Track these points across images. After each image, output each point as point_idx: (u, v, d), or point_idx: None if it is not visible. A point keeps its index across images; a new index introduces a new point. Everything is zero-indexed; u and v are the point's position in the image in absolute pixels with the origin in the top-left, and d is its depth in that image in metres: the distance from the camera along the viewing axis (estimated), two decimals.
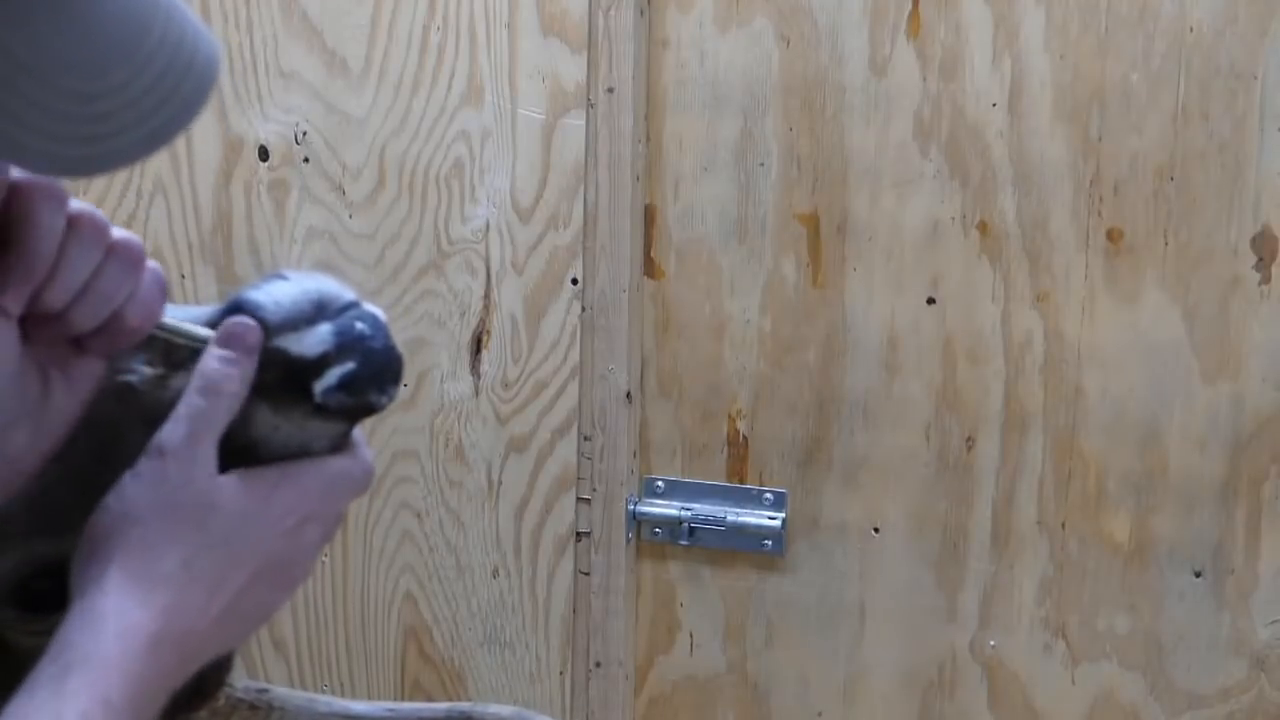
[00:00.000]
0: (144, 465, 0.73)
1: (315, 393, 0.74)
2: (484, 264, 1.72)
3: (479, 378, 1.75)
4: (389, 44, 1.70)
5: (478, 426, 1.76)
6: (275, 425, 0.75)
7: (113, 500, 0.73)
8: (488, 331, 1.73)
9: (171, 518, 0.72)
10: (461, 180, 1.71)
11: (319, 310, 0.75)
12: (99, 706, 0.68)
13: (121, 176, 1.79)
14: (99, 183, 1.79)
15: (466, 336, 1.74)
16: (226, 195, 1.77)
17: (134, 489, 0.73)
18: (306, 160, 1.74)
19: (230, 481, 0.74)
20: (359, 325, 0.75)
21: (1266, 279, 1.56)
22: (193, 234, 1.79)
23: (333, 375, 0.74)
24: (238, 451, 0.75)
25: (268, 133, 1.75)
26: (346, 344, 0.74)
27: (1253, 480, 1.59)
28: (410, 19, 1.69)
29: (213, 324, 0.75)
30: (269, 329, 0.74)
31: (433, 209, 1.72)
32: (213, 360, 0.74)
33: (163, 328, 0.75)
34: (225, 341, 0.74)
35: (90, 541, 0.72)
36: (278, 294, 0.75)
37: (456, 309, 1.74)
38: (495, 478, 1.76)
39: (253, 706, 0.96)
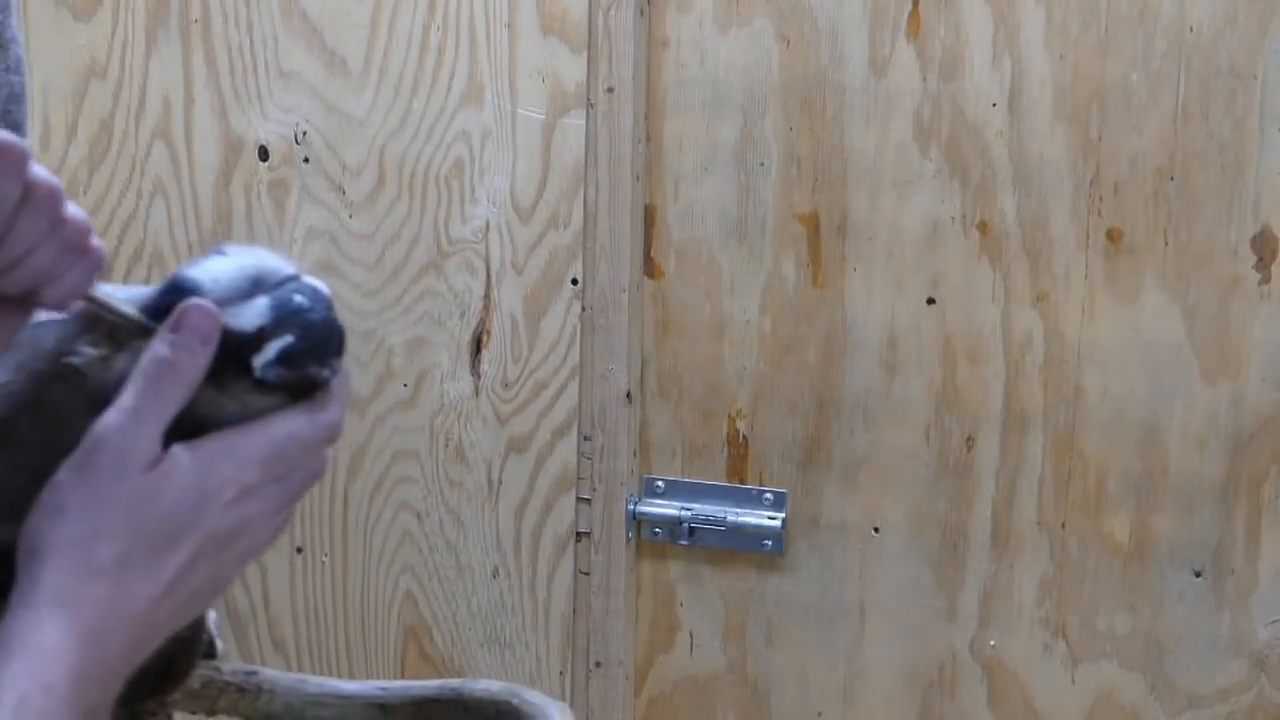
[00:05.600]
0: (80, 455, 0.72)
1: (254, 367, 0.73)
2: (484, 264, 1.72)
3: (479, 378, 1.75)
4: (389, 44, 1.70)
5: (478, 426, 1.76)
6: (219, 403, 0.74)
7: (46, 495, 0.72)
8: (488, 331, 1.73)
9: (104, 512, 0.71)
10: (461, 180, 1.71)
11: (256, 285, 0.74)
12: (39, 691, 0.67)
13: (121, 176, 1.79)
14: (99, 184, 1.79)
15: (466, 336, 1.74)
16: (226, 195, 1.77)
17: (67, 481, 0.71)
18: (306, 160, 1.74)
19: (164, 465, 0.72)
20: (297, 298, 0.74)
21: (1266, 279, 1.56)
22: (193, 234, 1.79)
23: (271, 349, 0.73)
24: (186, 430, 0.74)
25: (268, 133, 1.75)
26: (284, 317, 0.73)
27: (1253, 480, 1.59)
28: (410, 19, 1.69)
29: (152, 304, 0.74)
30: None
31: (433, 209, 1.72)
32: (164, 346, 0.72)
33: (91, 300, 0.74)
34: (178, 326, 0.72)
35: (27, 537, 0.72)
36: (215, 270, 0.74)
37: (456, 309, 1.74)
38: (495, 478, 1.76)
39: (241, 689, 0.95)
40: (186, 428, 0.74)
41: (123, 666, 0.72)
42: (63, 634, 0.69)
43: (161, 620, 0.74)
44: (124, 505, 0.71)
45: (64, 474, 0.72)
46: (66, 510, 0.71)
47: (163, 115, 1.77)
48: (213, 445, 0.73)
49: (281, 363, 0.73)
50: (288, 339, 0.73)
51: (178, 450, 0.73)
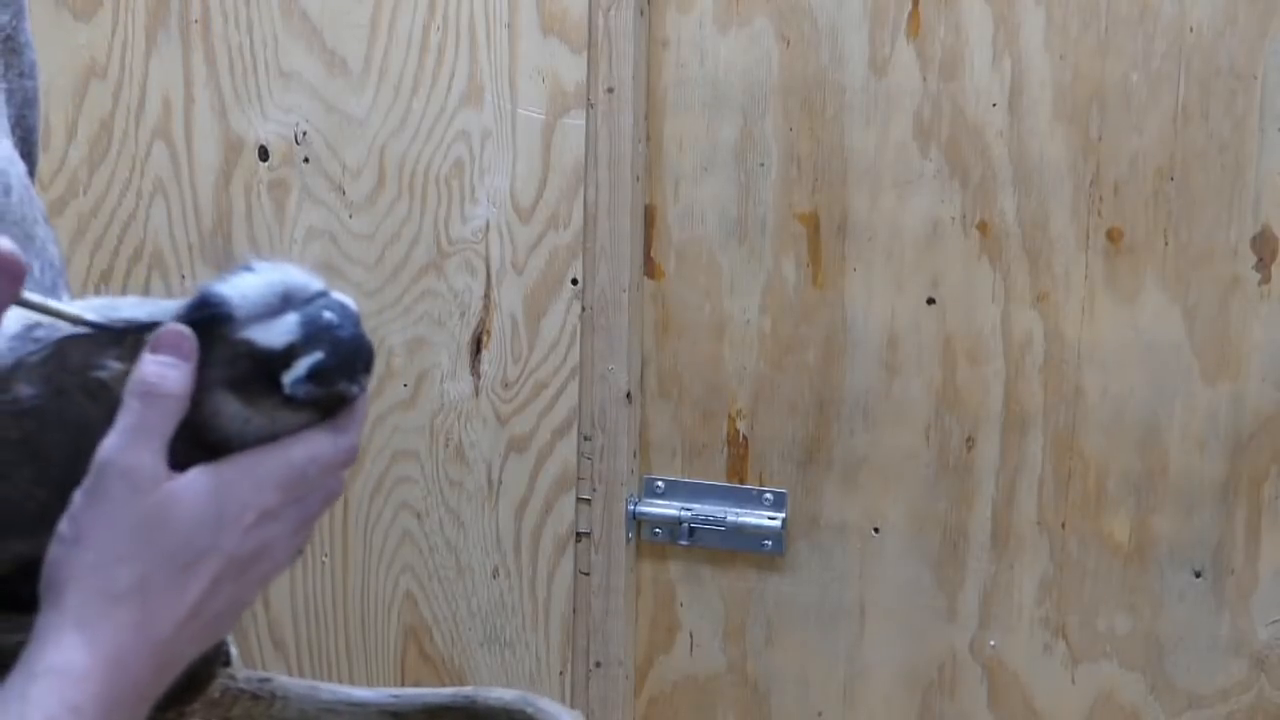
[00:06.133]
0: (89, 482, 0.72)
1: (284, 384, 0.73)
2: (484, 264, 1.72)
3: (479, 378, 1.75)
4: (389, 44, 1.70)
5: (478, 426, 1.76)
6: (246, 418, 0.74)
7: (64, 525, 0.72)
8: (488, 331, 1.73)
9: (120, 538, 0.71)
10: (461, 180, 1.71)
11: (286, 301, 0.74)
12: (69, 714, 0.68)
13: (121, 176, 1.79)
14: (99, 184, 1.79)
15: (466, 336, 1.74)
16: (226, 195, 1.77)
17: (82, 510, 0.72)
18: (306, 160, 1.74)
19: (178, 488, 0.72)
20: (326, 314, 0.74)
21: (1266, 279, 1.56)
22: (193, 234, 1.79)
23: (301, 365, 0.73)
24: (210, 447, 0.74)
25: (268, 133, 1.75)
26: (314, 333, 0.73)
27: (1253, 480, 1.59)
28: (410, 19, 1.69)
29: (180, 317, 0.74)
30: (236, 321, 0.73)
31: (433, 209, 1.72)
32: (148, 364, 0.73)
33: (26, 304, 0.73)
34: (156, 349, 0.73)
35: (47, 568, 0.72)
36: (244, 286, 0.74)
37: (456, 309, 1.74)
38: (495, 478, 1.76)
39: (254, 696, 0.95)
40: (214, 444, 0.74)
41: (149, 691, 0.72)
42: (88, 658, 0.69)
43: (185, 644, 0.74)
44: (137, 528, 0.72)
45: (76, 502, 0.72)
46: (82, 538, 0.72)
47: (163, 115, 1.77)
48: (230, 469, 0.74)
49: (311, 379, 0.73)
50: (317, 355, 0.73)
51: (193, 474, 0.73)
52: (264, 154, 1.75)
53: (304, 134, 1.74)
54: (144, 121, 1.78)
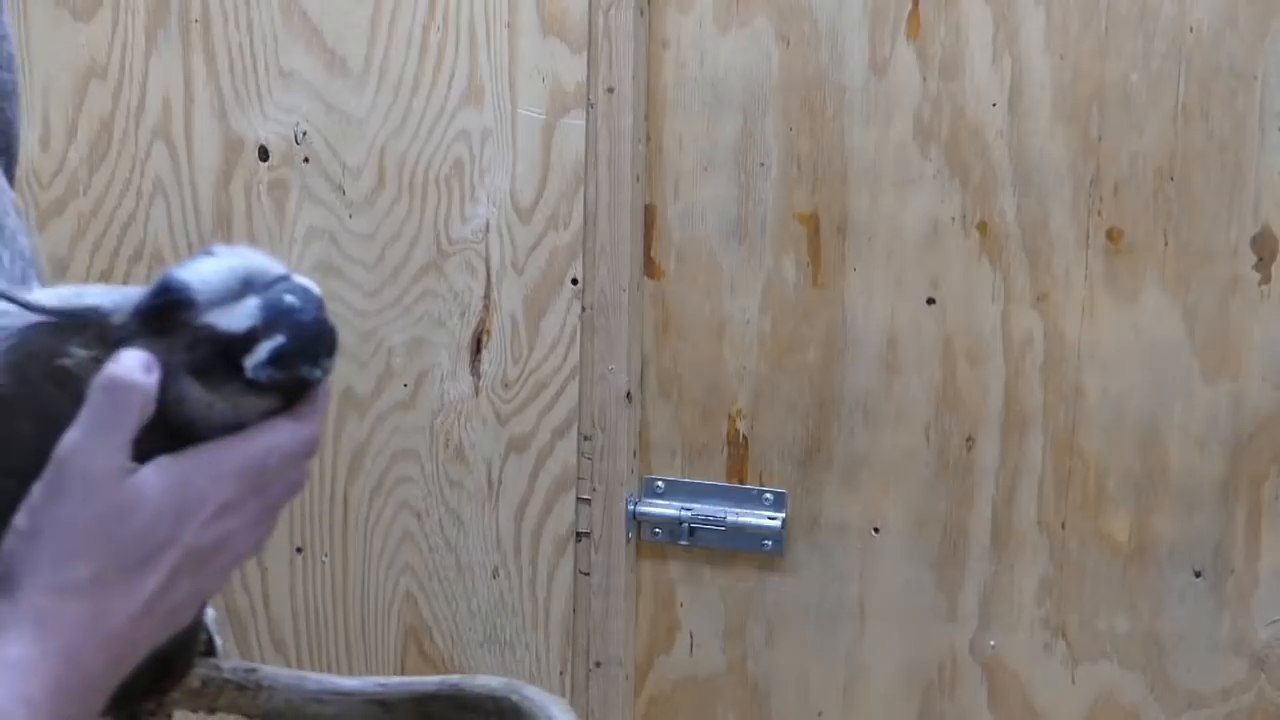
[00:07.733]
0: (49, 475, 0.72)
1: (246, 368, 0.73)
2: (484, 264, 1.72)
3: (479, 378, 1.75)
4: (389, 44, 1.70)
5: (478, 426, 1.76)
6: (209, 403, 0.74)
7: (20, 519, 0.72)
8: (488, 331, 1.73)
9: (75, 532, 0.71)
10: (461, 180, 1.71)
11: (247, 285, 0.74)
12: (19, 705, 0.68)
13: (121, 176, 1.79)
14: (99, 184, 1.79)
15: (466, 336, 1.74)
16: (226, 195, 1.77)
17: (40, 505, 0.72)
18: (306, 160, 1.74)
19: (138, 482, 0.72)
20: (288, 298, 0.74)
21: (1266, 279, 1.56)
22: (193, 234, 1.79)
23: (262, 350, 0.73)
24: (173, 433, 0.74)
25: (268, 133, 1.75)
26: (275, 317, 0.73)
27: (1253, 480, 1.59)
28: (410, 19, 1.69)
29: (143, 306, 0.74)
30: (197, 306, 0.73)
31: (433, 209, 1.72)
32: (116, 361, 0.73)
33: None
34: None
35: (3, 558, 0.72)
36: (204, 271, 0.74)
37: (456, 309, 1.74)
38: (495, 478, 1.76)
39: (240, 686, 0.95)
40: (176, 430, 0.74)
41: (102, 682, 0.72)
42: (40, 651, 0.69)
43: (142, 637, 0.74)
44: (95, 524, 0.71)
45: (34, 496, 0.72)
46: (38, 533, 0.71)
47: (163, 115, 1.77)
48: (188, 462, 0.74)
49: (273, 364, 0.73)
50: (279, 339, 0.73)
51: (150, 469, 0.73)
52: (264, 154, 1.75)
53: (304, 134, 1.74)
54: (144, 121, 1.78)
